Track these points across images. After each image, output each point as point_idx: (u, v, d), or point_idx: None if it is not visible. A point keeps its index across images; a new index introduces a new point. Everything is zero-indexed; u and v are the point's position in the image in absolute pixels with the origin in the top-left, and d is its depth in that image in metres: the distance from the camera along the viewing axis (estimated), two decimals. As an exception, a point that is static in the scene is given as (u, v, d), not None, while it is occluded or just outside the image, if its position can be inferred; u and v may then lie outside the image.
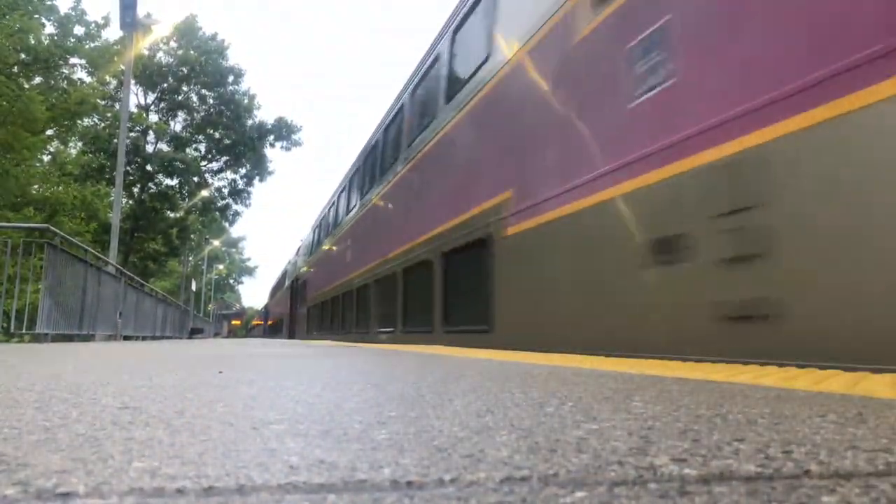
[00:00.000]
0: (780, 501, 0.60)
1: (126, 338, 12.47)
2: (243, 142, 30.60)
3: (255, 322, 49.42)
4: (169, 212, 29.55)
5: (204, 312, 51.50)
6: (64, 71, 21.84)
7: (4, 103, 17.53)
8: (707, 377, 1.95)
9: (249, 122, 30.96)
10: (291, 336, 19.60)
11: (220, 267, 62.88)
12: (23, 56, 19.65)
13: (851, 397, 1.41)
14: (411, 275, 7.08)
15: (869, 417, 1.10)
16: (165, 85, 29.17)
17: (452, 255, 5.79)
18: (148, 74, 27.91)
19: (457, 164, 5.90)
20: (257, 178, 32.10)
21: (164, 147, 29.51)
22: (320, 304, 14.14)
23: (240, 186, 32.05)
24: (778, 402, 1.31)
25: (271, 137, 31.37)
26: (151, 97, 29.73)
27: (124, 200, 24.08)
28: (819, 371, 2.12)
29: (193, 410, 1.22)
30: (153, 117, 29.24)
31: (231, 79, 30.33)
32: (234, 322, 65.50)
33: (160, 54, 28.71)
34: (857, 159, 2.18)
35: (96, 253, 10.98)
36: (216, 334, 48.87)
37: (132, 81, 18.82)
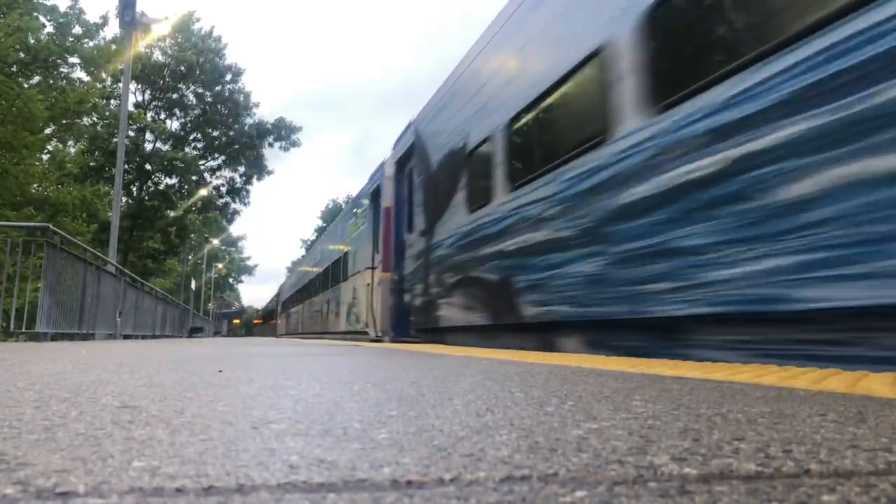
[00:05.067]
0: (780, 500, 0.60)
1: (126, 337, 12.47)
2: (241, 140, 30.60)
3: (255, 321, 51.41)
4: (168, 210, 29.52)
5: (203, 311, 51.48)
6: (63, 70, 21.82)
7: (4, 102, 17.51)
8: (707, 376, 1.96)
9: (249, 120, 30.98)
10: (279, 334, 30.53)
11: (220, 266, 62.82)
12: (22, 55, 19.63)
13: (851, 396, 1.41)
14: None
15: (869, 416, 1.10)
16: (161, 83, 29.12)
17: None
18: (145, 73, 27.87)
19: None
20: (255, 177, 32.12)
21: (162, 146, 29.51)
22: (289, 314, 27.64)
23: (238, 185, 32.08)
24: (778, 402, 1.32)
25: (270, 137, 31.37)
26: (148, 95, 29.71)
27: (123, 199, 24.05)
28: (819, 370, 2.12)
29: (193, 410, 1.22)
30: (150, 115, 29.18)
31: (229, 77, 30.32)
32: (234, 321, 65.52)
33: (156, 52, 28.66)
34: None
35: (96, 252, 10.97)
36: (216, 333, 48.88)
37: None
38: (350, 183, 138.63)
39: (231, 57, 31.73)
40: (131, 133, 26.13)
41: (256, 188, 75.98)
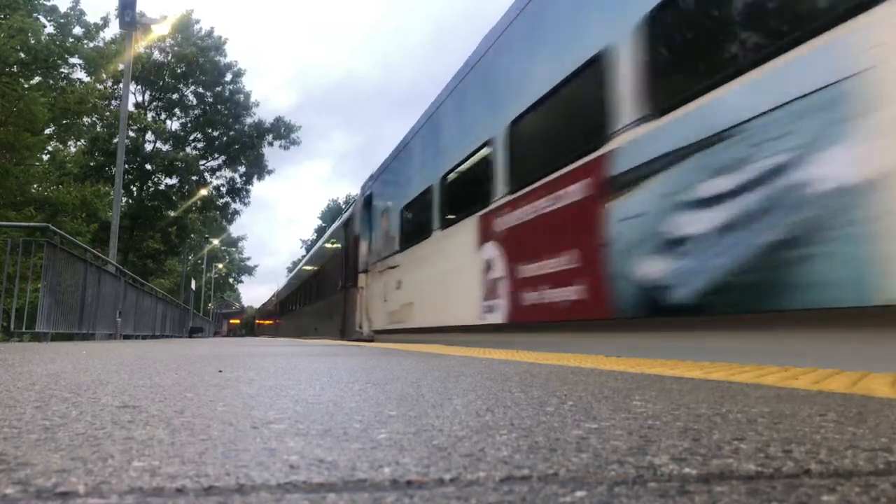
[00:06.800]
0: (780, 500, 0.60)
1: (126, 337, 12.47)
2: (241, 140, 30.60)
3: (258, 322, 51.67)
4: (168, 211, 29.50)
5: (203, 311, 51.49)
6: (63, 70, 21.82)
7: (6, 104, 17.51)
8: (707, 376, 1.96)
9: (249, 120, 30.99)
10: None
11: (220, 266, 62.80)
12: (22, 55, 19.62)
13: (851, 396, 1.41)
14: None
15: (869, 416, 1.10)
16: (161, 83, 29.11)
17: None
18: (145, 73, 27.85)
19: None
20: (256, 176, 32.12)
21: (162, 146, 29.50)
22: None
23: (238, 185, 32.08)
24: (778, 402, 1.32)
25: (270, 136, 31.38)
26: (148, 95, 29.71)
27: (123, 199, 24.07)
28: (819, 370, 2.12)
29: (193, 410, 1.22)
30: (150, 116, 29.15)
31: (229, 77, 30.33)
32: (233, 321, 65.58)
33: (156, 52, 28.64)
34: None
35: (96, 252, 10.97)
36: (216, 333, 48.90)
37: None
38: (350, 185, 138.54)
39: (235, 58, 31.64)
40: (132, 133, 26.11)
41: (257, 188, 76.10)
